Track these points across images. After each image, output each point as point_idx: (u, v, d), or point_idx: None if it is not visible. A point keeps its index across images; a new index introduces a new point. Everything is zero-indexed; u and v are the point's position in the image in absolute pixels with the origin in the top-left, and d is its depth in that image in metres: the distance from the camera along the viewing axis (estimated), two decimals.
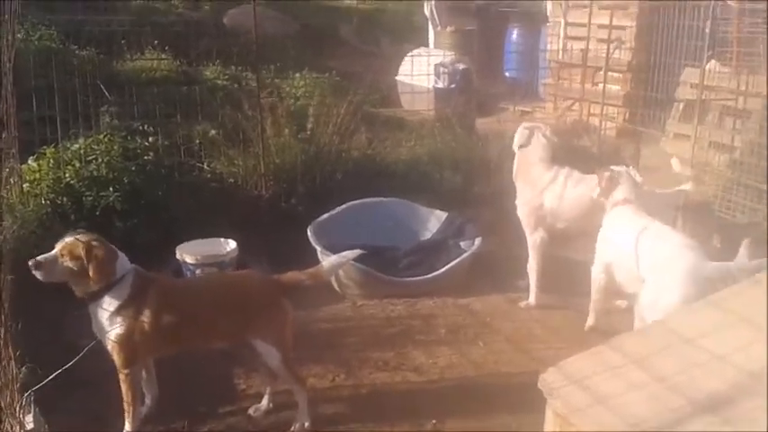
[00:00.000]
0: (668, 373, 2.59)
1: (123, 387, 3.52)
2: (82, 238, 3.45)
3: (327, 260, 3.97)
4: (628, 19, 8.78)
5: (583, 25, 8.86)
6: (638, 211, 4.47)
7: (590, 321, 4.75)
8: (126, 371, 3.49)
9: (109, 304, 3.43)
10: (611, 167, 4.76)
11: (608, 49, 7.75)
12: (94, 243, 3.44)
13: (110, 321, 3.43)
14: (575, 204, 5.01)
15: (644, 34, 8.48)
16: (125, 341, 3.43)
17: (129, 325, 3.42)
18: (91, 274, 3.38)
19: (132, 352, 3.48)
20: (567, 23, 9.59)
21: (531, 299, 5.18)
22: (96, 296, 3.43)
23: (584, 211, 4.93)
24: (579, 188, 5.01)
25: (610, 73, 8.12)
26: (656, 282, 3.98)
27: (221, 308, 3.61)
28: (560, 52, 9.66)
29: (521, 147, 5.23)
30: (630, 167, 4.83)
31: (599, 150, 7.17)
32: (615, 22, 8.20)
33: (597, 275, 4.63)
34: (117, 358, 3.47)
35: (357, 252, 3.96)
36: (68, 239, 3.43)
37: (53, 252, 3.42)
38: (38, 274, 3.39)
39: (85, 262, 3.37)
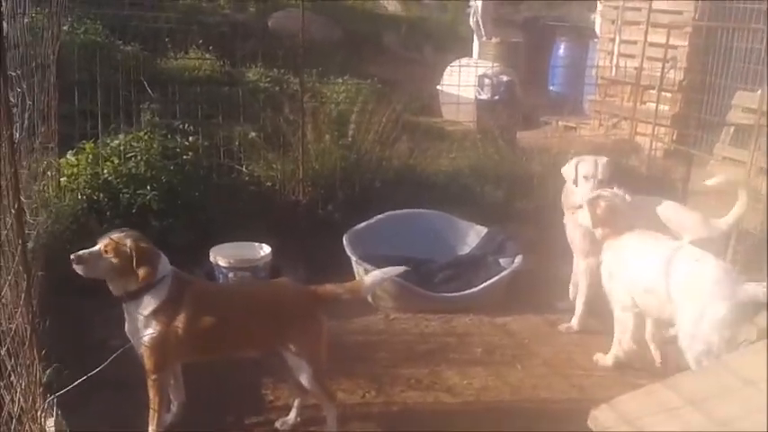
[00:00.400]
0: (729, 417, 2.42)
1: (151, 392, 3.42)
2: (130, 235, 3.36)
3: (370, 275, 3.82)
4: (681, 39, 8.55)
5: (634, 43, 8.64)
6: (653, 234, 4.27)
7: (614, 355, 4.50)
8: (155, 375, 3.39)
9: (147, 305, 3.33)
10: (601, 192, 4.48)
11: (663, 68, 7.52)
12: (142, 243, 3.36)
13: (146, 323, 3.34)
14: None
15: (697, 54, 8.26)
16: (158, 345, 3.33)
17: (164, 328, 3.33)
18: (139, 272, 3.29)
19: (163, 356, 3.38)
20: (621, 41, 9.37)
21: (574, 322, 4.99)
22: (135, 296, 3.34)
23: None
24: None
25: (661, 93, 7.89)
26: (695, 307, 3.81)
27: (255, 316, 3.49)
28: (613, 69, 9.44)
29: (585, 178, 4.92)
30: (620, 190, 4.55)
31: (647, 171, 6.95)
32: (669, 42, 7.97)
33: (623, 314, 4.37)
34: (147, 362, 3.37)
35: (400, 269, 3.82)
36: (115, 236, 3.35)
37: (97, 247, 3.33)
38: (79, 269, 3.31)
39: (134, 260, 3.28)
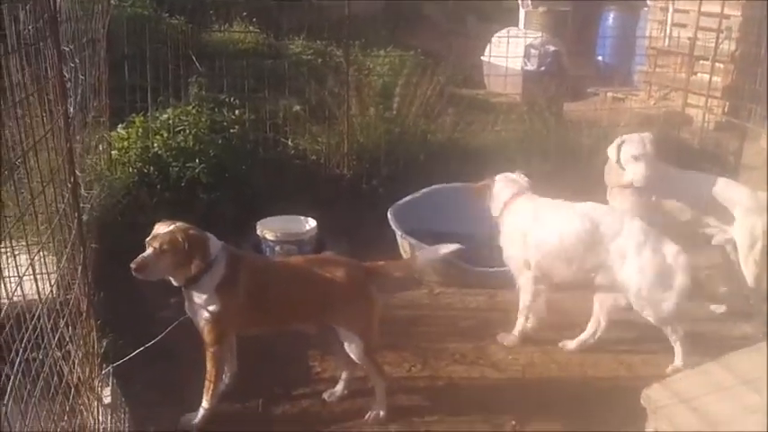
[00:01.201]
0: None
1: (209, 364, 3.48)
2: (177, 228, 3.36)
3: (423, 252, 3.82)
4: (734, 8, 8.27)
5: (687, 12, 8.38)
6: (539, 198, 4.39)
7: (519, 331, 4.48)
8: (213, 348, 3.45)
9: (206, 287, 3.38)
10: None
11: (717, 38, 7.29)
12: (191, 231, 3.38)
13: (207, 302, 3.39)
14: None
15: (751, 25, 7.98)
16: (217, 320, 3.39)
17: (224, 304, 3.38)
18: (194, 262, 3.32)
19: (222, 330, 3.45)
20: (674, 10, 9.10)
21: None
22: (194, 280, 3.38)
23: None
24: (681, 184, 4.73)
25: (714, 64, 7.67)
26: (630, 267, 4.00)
27: (310, 290, 3.52)
28: (666, 38, 9.18)
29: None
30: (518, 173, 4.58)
31: (699, 144, 6.78)
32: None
33: (527, 280, 4.39)
34: (207, 336, 3.43)
35: (454, 247, 3.79)
36: (161, 231, 3.34)
37: (149, 251, 3.31)
38: (141, 276, 3.29)
39: (186, 251, 3.31)
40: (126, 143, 5.45)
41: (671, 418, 2.36)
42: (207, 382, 3.49)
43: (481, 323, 4.69)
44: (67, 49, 3.91)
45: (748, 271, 4.56)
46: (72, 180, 3.05)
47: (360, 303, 3.52)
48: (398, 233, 5.22)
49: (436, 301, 4.98)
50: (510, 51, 8.42)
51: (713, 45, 7.44)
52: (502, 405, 3.83)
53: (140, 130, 5.51)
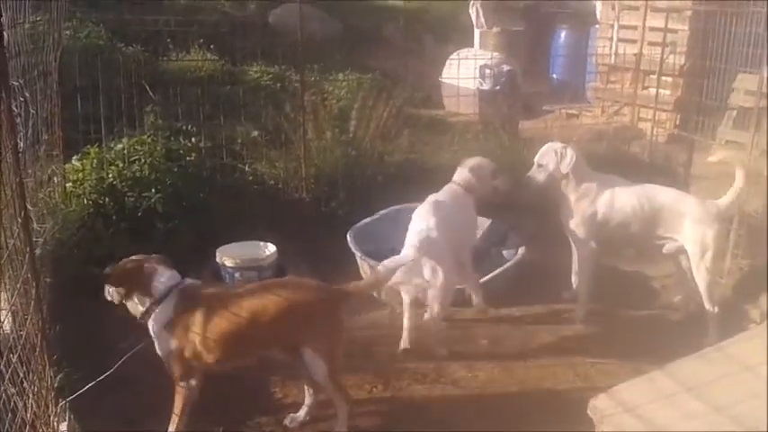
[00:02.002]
0: (727, 403, 2.45)
1: (177, 398, 3.50)
2: (124, 263, 3.54)
3: (382, 264, 3.85)
4: (681, 23, 8.53)
5: (635, 28, 8.62)
6: None
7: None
8: (180, 384, 3.45)
9: (158, 322, 3.42)
10: None
11: (662, 52, 7.51)
12: (129, 266, 3.51)
13: (159, 337, 3.43)
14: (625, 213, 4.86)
15: (697, 39, 8.23)
16: (177, 355, 3.42)
17: (179, 339, 3.41)
18: (135, 296, 3.46)
19: (185, 365, 3.46)
20: (619, 26, 9.35)
21: (580, 312, 5.02)
22: (146, 315, 3.46)
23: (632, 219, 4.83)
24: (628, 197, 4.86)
25: (661, 78, 7.89)
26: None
27: (277, 317, 3.47)
28: (612, 55, 9.43)
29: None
30: None
31: (649, 157, 6.95)
32: (669, 26, 7.96)
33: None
34: (172, 371, 3.46)
35: (410, 256, 3.87)
36: (110, 269, 3.54)
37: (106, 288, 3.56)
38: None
39: (127, 287, 3.46)
40: (80, 175, 5.41)
41: (617, 426, 2.42)
42: (174, 416, 3.49)
43: (442, 341, 4.73)
44: (17, 83, 3.89)
45: (700, 279, 4.69)
46: (23, 214, 3.04)
47: (328, 326, 3.54)
48: (358, 255, 5.26)
49: (397, 321, 4.98)
50: (466, 72, 8.58)
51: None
52: (462, 422, 3.88)
53: (95, 161, 5.48)
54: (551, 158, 4.99)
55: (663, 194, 4.85)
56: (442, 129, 8.25)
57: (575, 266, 5.17)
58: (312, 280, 3.87)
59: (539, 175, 5.05)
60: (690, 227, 4.70)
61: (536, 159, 5.11)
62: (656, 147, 7.35)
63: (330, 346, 3.55)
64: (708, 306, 4.71)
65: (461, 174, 5.09)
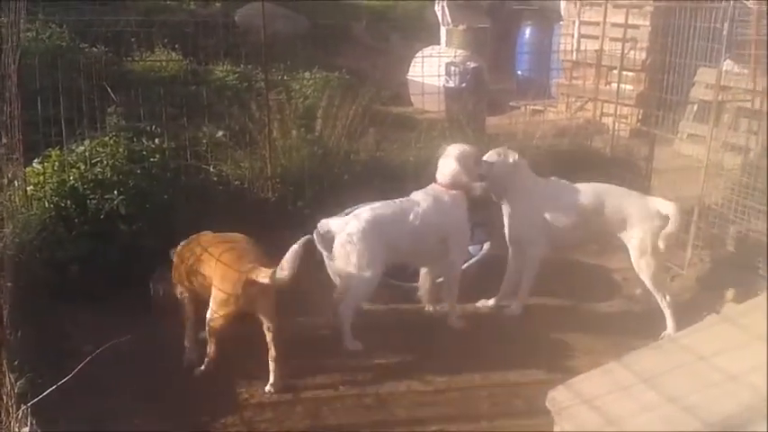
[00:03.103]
0: (681, 393, 2.51)
1: None
2: None
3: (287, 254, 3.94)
4: (642, 18, 8.65)
5: (597, 24, 8.73)
6: None
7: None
8: None
9: None
10: None
11: (623, 48, 7.62)
12: None
13: None
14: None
15: (658, 34, 8.35)
16: None
17: None
18: None
19: None
20: (581, 22, 9.45)
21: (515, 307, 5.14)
22: None
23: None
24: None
25: (623, 72, 7.99)
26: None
27: None
28: (574, 52, 9.53)
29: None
30: None
31: (611, 152, 7.05)
32: (630, 21, 8.06)
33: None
34: None
35: (305, 238, 4.04)
36: None
37: None
38: None
39: None
40: (41, 178, 5.33)
41: (574, 418, 2.47)
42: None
43: (408, 337, 4.77)
44: None
45: (644, 273, 4.83)
46: None
47: None
48: (325, 254, 5.25)
49: (364, 320, 5.01)
50: (431, 69, 8.60)
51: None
52: (429, 416, 3.92)
53: (56, 163, 5.39)
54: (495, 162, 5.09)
55: (606, 194, 4.96)
56: (409, 126, 8.27)
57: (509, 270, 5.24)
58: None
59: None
60: (632, 226, 4.83)
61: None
62: (619, 141, 7.45)
63: None
64: (658, 297, 4.84)
65: (447, 167, 4.93)
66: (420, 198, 4.85)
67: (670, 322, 4.74)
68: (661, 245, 4.72)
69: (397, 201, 4.89)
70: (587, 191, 5.00)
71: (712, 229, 5.56)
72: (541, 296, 5.20)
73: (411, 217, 4.74)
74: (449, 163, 4.93)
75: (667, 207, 4.79)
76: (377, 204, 4.84)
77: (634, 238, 4.81)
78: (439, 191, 4.90)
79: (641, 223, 4.78)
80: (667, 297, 4.80)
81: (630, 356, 2.78)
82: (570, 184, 5.07)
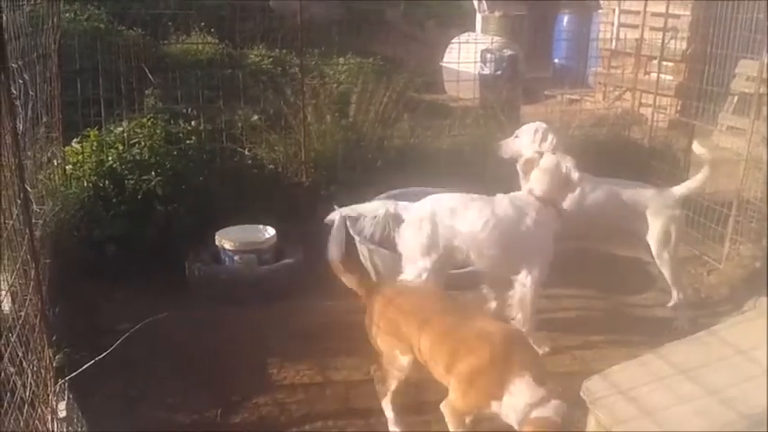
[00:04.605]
0: (720, 386, 2.47)
1: None
2: None
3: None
4: (683, 8, 8.50)
5: (637, 13, 8.59)
6: None
7: None
8: None
9: None
10: None
11: (663, 38, 7.49)
12: None
13: None
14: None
15: (700, 24, 8.21)
16: None
17: None
18: None
19: None
20: (621, 11, 9.32)
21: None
22: None
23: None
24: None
25: (663, 62, 7.86)
26: None
27: None
28: (613, 40, 9.40)
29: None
30: None
31: (649, 143, 6.94)
32: (671, 11, 7.92)
33: None
34: None
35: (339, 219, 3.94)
36: None
37: None
38: None
39: None
40: (80, 157, 5.42)
41: (609, 408, 2.45)
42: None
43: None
44: (16, 65, 3.90)
45: (665, 268, 4.76)
46: (22, 196, 3.06)
47: None
48: (357, 239, 5.27)
49: None
50: (467, 57, 8.53)
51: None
52: None
53: (95, 143, 5.48)
54: (530, 136, 4.94)
55: (623, 190, 4.88)
56: (443, 113, 8.23)
57: None
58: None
59: (512, 146, 5.02)
60: (651, 218, 4.75)
61: (516, 132, 5.09)
62: (657, 132, 7.33)
63: None
64: (674, 290, 4.81)
65: (543, 178, 4.31)
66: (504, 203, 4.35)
67: (682, 315, 4.72)
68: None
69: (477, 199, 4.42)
70: (606, 186, 4.93)
71: (751, 223, 5.46)
72: (573, 288, 5.15)
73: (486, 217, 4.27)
74: (546, 174, 4.34)
75: (687, 185, 4.82)
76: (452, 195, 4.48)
77: (654, 231, 4.73)
78: (528, 202, 4.32)
79: (661, 215, 4.71)
80: (681, 294, 4.78)
81: (667, 348, 2.75)
82: (594, 178, 4.98)
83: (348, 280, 3.69)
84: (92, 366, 3.42)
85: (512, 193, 4.41)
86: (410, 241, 4.31)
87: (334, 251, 3.72)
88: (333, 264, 3.71)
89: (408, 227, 4.35)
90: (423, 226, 4.29)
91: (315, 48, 8.70)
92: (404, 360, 3.38)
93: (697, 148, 4.99)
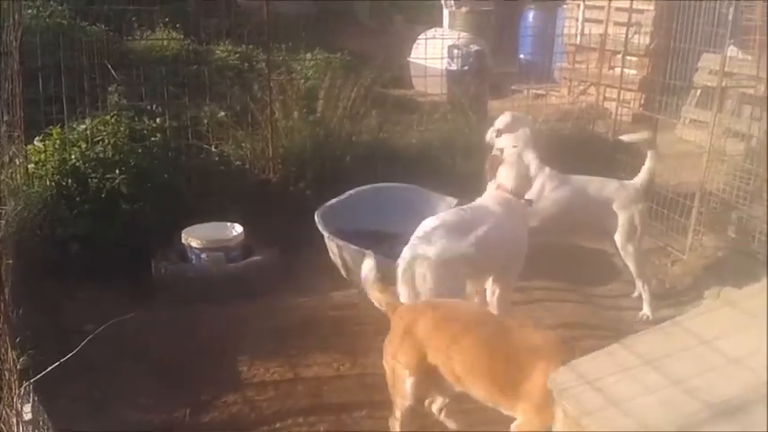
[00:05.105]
0: (684, 375, 2.50)
1: None
2: None
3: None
4: (647, 3, 8.61)
5: (601, 8, 8.68)
6: None
7: None
8: None
9: None
10: None
11: (627, 32, 7.58)
12: None
13: None
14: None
15: (663, 19, 8.32)
16: None
17: None
18: None
19: None
20: (585, 6, 9.41)
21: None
22: None
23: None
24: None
25: (627, 57, 7.96)
26: None
27: None
28: (578, 36, 9.49)
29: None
30: None
31: (613, 137, 7.02)
32: (634, 6, 8.02)
33: None
34: None
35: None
36: None
37: None
38: None
39: None
40: (43, 156, 5.32)
41: (576, 398, 2.46)
42: None
43: None
44: None
45: (629, 260, 4.85)
46: None
47: None
48: (326, 235, 5.25)
49: (367, 301, 5.00)
50: (434, 52, 8.55)
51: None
52: None
53: (57, 142, 5.38)
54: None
55: (589, 184, 4.97)
56: (411, 108, 8.26)
57: None
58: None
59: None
60: (617, 212, 4.84)
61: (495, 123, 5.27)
62: (621, 126, 7.42)
63: None
64: (638, 282, 4.89)
65: (510, 172, 4.29)
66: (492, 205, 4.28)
67: (646, 306, 4.80)
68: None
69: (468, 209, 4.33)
70: (572, 181, 4.99)
71: (713, 214, 5.56)
72: (542, 280, 5.19)
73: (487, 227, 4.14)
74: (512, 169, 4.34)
75: (640, 176, 4.93)
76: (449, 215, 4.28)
77: (621, 224, 4.82)
78: (507, 198, 4.28)
79: (626, 209, 4.78)
80: (646, 286, 4.85)
81: (632, 339, 2.77)
82: (560, 174, 5.04)
83: (377, 299, 3.54)
84: (57, 368, 3.36)
85: (489, 194, 4.33)
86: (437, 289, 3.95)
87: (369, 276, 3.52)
88: (366, 284, 3.54)
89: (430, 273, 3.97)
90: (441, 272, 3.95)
91: (282, 43, 8.64)
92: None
93: (627, 137, 5.11)
